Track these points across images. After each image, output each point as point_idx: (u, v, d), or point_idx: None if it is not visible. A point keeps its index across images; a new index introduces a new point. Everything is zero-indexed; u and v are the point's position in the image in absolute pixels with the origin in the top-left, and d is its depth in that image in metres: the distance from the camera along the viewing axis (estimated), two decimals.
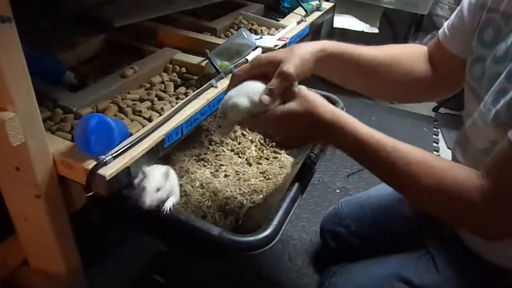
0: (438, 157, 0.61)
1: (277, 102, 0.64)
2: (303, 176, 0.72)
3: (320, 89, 1.00)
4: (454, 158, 0.76)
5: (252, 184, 0.87)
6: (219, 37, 1.01)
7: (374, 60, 0.76)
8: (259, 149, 0.98)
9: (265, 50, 0.91)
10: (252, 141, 0.99)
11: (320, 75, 0.75)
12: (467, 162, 0.68)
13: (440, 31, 0.78)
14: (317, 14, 1.22)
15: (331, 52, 0.71)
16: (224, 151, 0.96)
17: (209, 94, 0.74)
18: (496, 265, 0.70)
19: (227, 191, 0.84)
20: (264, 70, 0.67)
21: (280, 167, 0.93)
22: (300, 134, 0.66)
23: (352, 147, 0.62)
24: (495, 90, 0.58)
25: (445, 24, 0.77)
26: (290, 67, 0.64)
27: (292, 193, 0.67)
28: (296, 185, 0.69)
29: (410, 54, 0.80)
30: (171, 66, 0.86)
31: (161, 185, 0.60)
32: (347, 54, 0.74)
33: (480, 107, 0.61)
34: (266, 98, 0.63)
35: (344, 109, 0.83)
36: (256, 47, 0.90)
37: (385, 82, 0.79)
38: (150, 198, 0.58)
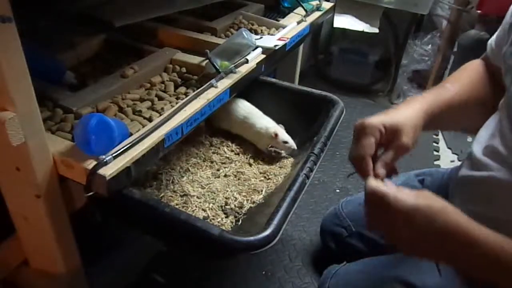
0: None
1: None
2: (303, 176, 0.72)
3: (320, 89, 1.00)
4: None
5: (252, 184, 0.87)
6: (219, 37, 1.01)
7: (462, 101, 0.75)
8: (259, 149, 0.98)
9: (265, 50, 0.92)
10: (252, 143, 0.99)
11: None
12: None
13: (488, 44, 0.79)
14: (317, 14, 1.22)
15: (432, 112, 0.71)
16: (224, 152, 0.96)
17: (209, 94, 0.75)
18: None
19: (227, 191, 0.84)
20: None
21: (280, 167, 0.93)
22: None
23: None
24: None
25: (492, 38, 0.78)
26: (407, 139, 0.62)
27: (292, 193, 0.67)
28: (296, 185, 0.69)
29: (479, 77, 0.79)
30: (171, 66, 0.86)
31: None
32: (445, 108, 0.73)
33: None
34: (383, 172, 0.60)
35: (344, 109, 0.84)
36: (256, 47, 0.90)
37: (474, 114, 0.79)
38: None
